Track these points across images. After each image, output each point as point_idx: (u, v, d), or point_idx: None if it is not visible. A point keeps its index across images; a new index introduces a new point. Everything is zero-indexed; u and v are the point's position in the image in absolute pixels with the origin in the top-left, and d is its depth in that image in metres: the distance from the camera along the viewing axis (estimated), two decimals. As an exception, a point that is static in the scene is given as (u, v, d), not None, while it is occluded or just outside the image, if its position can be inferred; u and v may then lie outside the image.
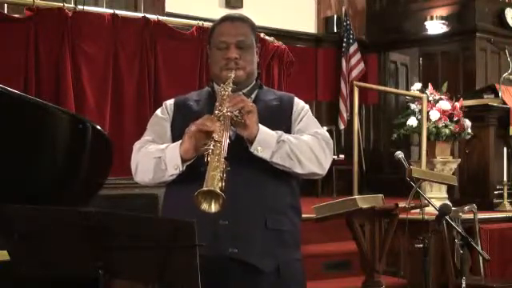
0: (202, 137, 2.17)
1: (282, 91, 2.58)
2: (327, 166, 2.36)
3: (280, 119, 2.38)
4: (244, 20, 2.47)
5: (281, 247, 2.32)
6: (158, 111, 2.49)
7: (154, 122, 2.48)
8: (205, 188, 1.98)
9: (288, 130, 2.36)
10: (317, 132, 2.36)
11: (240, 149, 2.24)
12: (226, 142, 2.12)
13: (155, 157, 2.29)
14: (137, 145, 2.41)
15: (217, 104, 2.25)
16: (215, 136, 2.12)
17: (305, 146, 2.29)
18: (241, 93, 2.40)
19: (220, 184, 2.00)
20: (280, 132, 2.29)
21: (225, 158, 2.07)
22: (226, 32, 2.40)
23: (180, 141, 2.26)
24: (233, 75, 2.34)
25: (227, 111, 2.19)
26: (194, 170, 2.22)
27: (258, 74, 2.51)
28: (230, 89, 2.29)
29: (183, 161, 2.24)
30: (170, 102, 2.50)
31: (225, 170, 2.05)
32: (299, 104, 2.46)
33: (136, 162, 2.37)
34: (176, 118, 2.43)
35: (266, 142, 2.24)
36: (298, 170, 2.29)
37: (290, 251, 2.36)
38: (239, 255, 2.25)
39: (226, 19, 2.46)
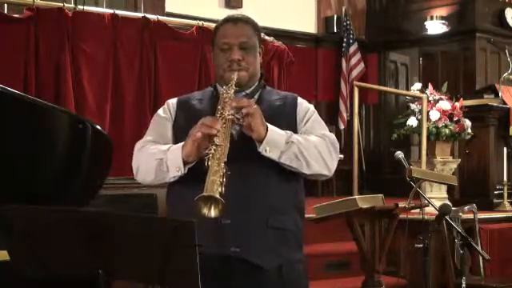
0: (204, 141, 2.18)
1: (285, 91, 2.56)
2: (333, 168, 2.37)
3: (284, 119, 2.38)
4: (246, 21, 2.46)
5: (283, 246, 2.32)
6: (160, 111, 2.49)
7: (156, 121, 2.48)
8: (205, 193, 2.00)
9: (293, 131, 2.36)
10: (324, 134, 2.38)
11: (243, 148, 2.25)
12: (226, 146, 2.14)
13: (157, 158, 2.30)
14: (138, 145, 2.42)
15: (219, 107, 2.25)
16: (216, 140, 2.13)
17: (312, 147, 2.30)
18: (243, 93, 2.40)
19: (220, 189, 2.03)
20: (289, 132, 2.30)
21: (224, 163, 2.08)
22: (228, 33, 2.40)
23: (182, 143, 2.26)
24: (235, 77, 2.34)
25: (229, 114, 2.20)
26: (196, 170, 2.23)
27: (262, 74, 2.51)
28: (233, 91, 2.29)
29: (185, 163, 2.25)
30: (172, 101, 2.50)
31: (225, 175, 2.06)
32: (303, 104, 2.47)
33: (137, 163, 2.37)
34: (178, 117, 2.44)
35: (275, 142, 2.24)
36: (305, 170, 2.31)
37: (292, 251, 2.37)
38: (241, 254, 2.26)
39: (228, 20, 2.45)
